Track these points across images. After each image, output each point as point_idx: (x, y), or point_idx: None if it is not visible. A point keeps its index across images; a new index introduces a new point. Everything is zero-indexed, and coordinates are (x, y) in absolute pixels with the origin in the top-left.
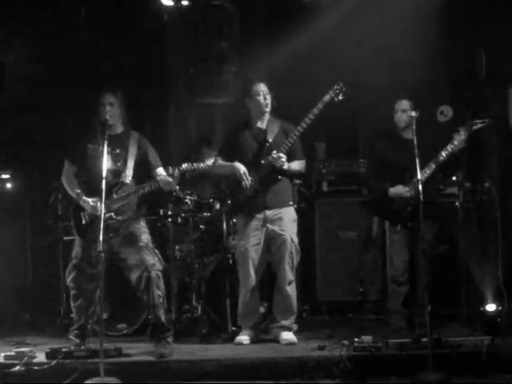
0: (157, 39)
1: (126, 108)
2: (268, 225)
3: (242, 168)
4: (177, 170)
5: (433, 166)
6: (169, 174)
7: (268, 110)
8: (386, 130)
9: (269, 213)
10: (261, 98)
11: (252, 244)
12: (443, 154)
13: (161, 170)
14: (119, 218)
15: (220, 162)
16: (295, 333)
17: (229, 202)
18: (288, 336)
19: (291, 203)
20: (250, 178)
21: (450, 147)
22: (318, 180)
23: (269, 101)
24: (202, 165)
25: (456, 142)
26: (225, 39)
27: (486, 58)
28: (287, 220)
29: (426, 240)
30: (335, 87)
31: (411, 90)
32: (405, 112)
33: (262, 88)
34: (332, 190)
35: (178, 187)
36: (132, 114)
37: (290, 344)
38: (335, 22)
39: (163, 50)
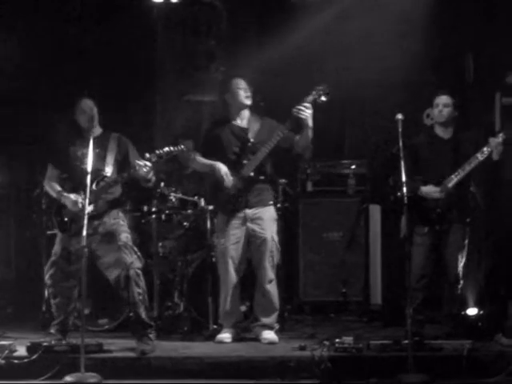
0: (145, 36)
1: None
2: (248, 223)
3: (223, 169)
4: (153, 155)
5: (467, 168)
6: (146, 159)
7: (248, 103)
8: (423, 128)
9: (249, 212)
10: (241, 92)
11: (232, 242)
12: (479, 156)
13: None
14: (100, 205)
15: (198, 157)
16: (276, 332)
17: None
18: (269, 335)
19: (271, 203)
20: (231, 178)
21: (486, 150)
22: (303, 180)
23: (249, 95)
24: (176, 148)
25: (493, 145)
26: (213, 37)
27: (473, 63)
28: (267, 219)
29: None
30: (318, 88)
31: (398, 93)
32: (446, 107)
33: (242, 83)
34: (317, 190)
35: (162, 184)
36: (119, 110)
37: (271, 343)
38: (324, 23)
39: (151, 46)
